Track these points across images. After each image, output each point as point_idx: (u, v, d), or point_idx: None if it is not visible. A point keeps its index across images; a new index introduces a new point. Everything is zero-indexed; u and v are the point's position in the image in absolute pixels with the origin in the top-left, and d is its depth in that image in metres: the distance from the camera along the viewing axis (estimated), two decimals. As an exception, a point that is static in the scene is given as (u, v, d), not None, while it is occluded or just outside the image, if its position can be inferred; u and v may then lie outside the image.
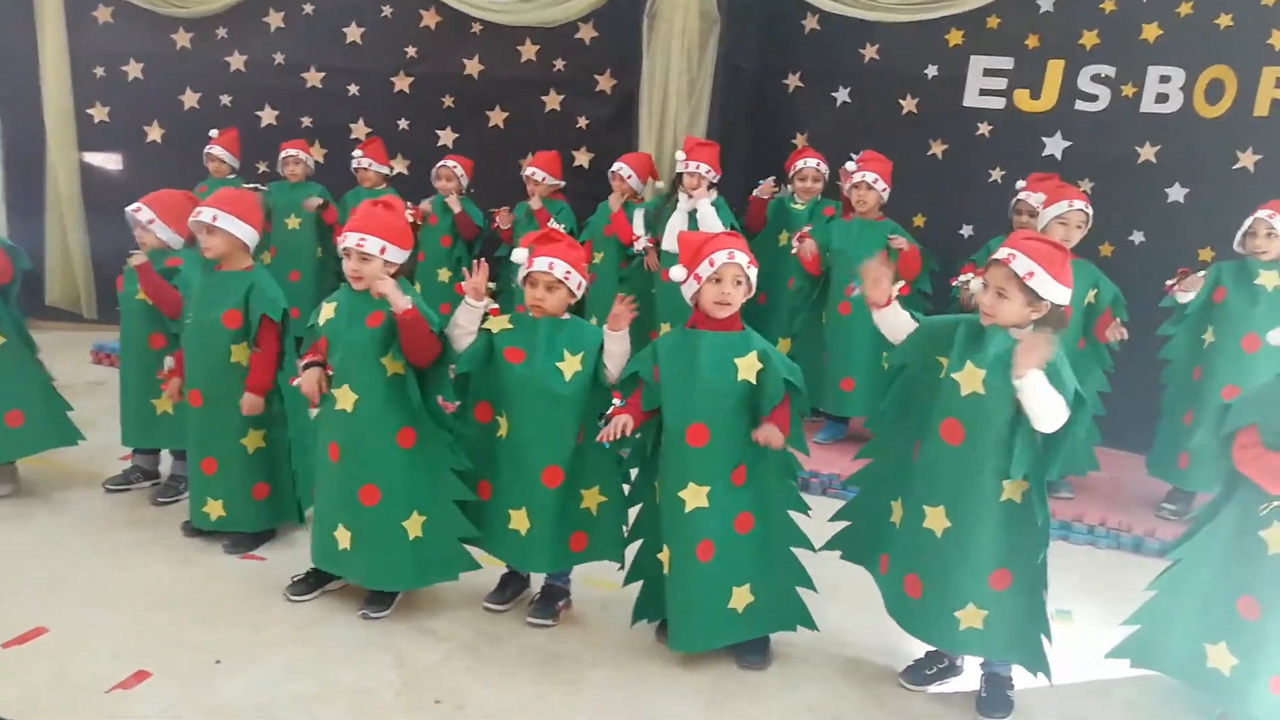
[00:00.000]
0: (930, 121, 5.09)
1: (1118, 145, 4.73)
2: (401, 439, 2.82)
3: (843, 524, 2.86)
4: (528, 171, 5.21)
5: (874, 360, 4.34)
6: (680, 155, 4.67)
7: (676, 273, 2.65)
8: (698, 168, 4.57)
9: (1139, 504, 4.13)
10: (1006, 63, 4.89)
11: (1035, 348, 2.29)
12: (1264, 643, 2.40)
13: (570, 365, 2.80)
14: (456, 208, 5.27)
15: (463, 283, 2.83)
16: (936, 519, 2.53)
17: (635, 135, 5.39)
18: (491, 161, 5.71)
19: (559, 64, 5.67)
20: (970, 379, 2.44)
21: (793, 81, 5.36)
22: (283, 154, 5.48)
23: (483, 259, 2.91)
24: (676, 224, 4.70)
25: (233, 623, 2.89)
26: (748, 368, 2.59)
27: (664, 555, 2.72)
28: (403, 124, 5.94)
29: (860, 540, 2.82)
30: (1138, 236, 4.77)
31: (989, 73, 4.92)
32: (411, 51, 5.83)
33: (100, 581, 3.09)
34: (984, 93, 4.96)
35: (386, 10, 5.81)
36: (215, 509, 3.28)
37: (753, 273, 2.64)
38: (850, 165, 4.48)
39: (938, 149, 5.10)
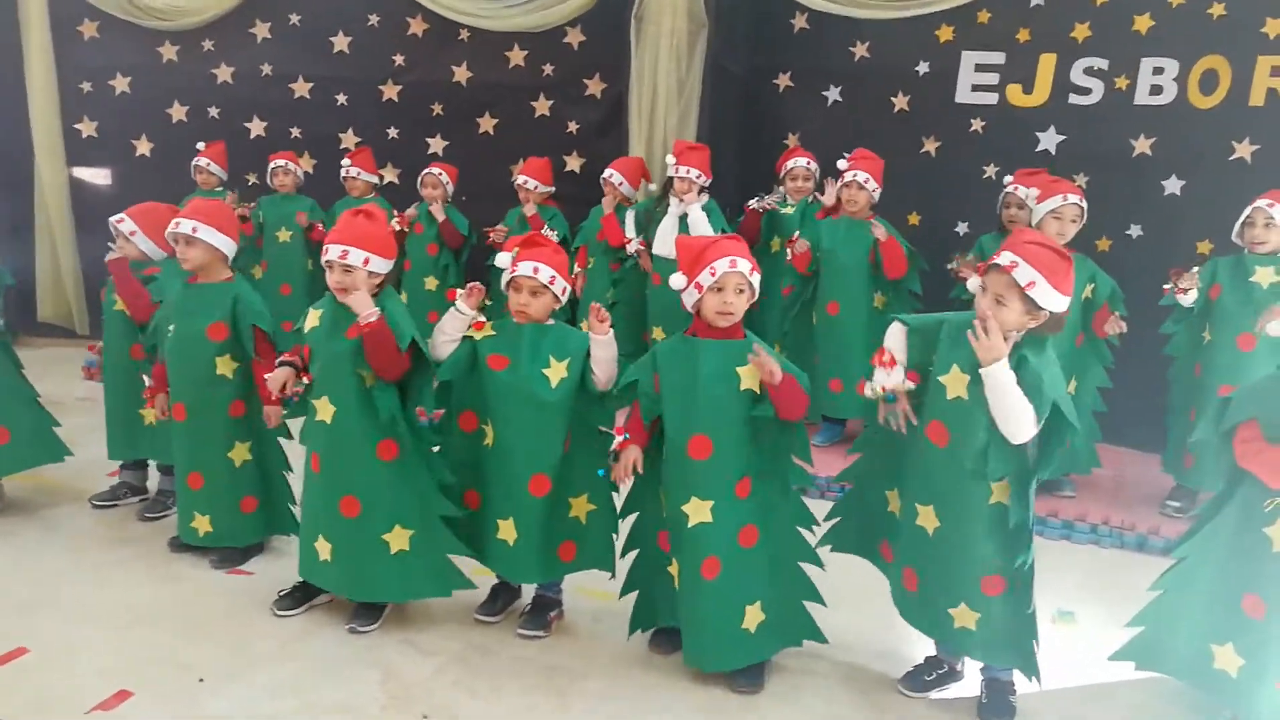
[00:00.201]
0: (922, 119, 5.04)
1: (1112, 138, 4.67)
2: (382, 451, 2.76)
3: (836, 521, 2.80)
4: (520, 180, 5.18)
5: (863, 362, 4.26)
6: (670, 159, 4.63)
7: (676, 280, 2.58)
8: (688, 172, 4.53)
9: (1142, 501, 4.06)
10: (998, 58, 4.84)
11: (994, 342, 2.26)
12: (1271, 642, 2.33)
13: (556, 371, 2.75)
14: (441, 216, 5.24)
15: (454, 288, 2.79)
16: (928, 518, 2.51)
17: (626, 139, 5.35)
18: (482, 168, 5.68)
19: (548, 69, 5.63)
20: (955, 383, 2.40)
21: (783, 81, 5.32)
22: (271, 165, 5.45)
23: (479, 284, 2.84)
24: (668, 228, 4.67)
25: (217, 639, 2.83)
26: (750, 376, 2.52)
27: (674, 569, 2.65)
28: (392, 133, 5.90)
29: (854, 532, 2.77)
30: (1135, 230, 4.72)
31: (980, 68, 4.87)
32: (399, 60, 5.80)
33: (83, 599, 3.04)
34: (976, 88, 4.91)
35: (373, 19, 5.76)
36: (203, 524, 3.23)
37: (755, 279, 2.57)
38: (842, 163, 4.41)
39: (930, 146, 5.05)
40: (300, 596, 3.00)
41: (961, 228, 5.03)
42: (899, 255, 4.27)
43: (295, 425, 3.05)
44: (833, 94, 5.23)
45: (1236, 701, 2.42)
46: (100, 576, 3.20)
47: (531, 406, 2.73)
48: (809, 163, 4.76)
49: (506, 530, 2.80)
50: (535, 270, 2.72)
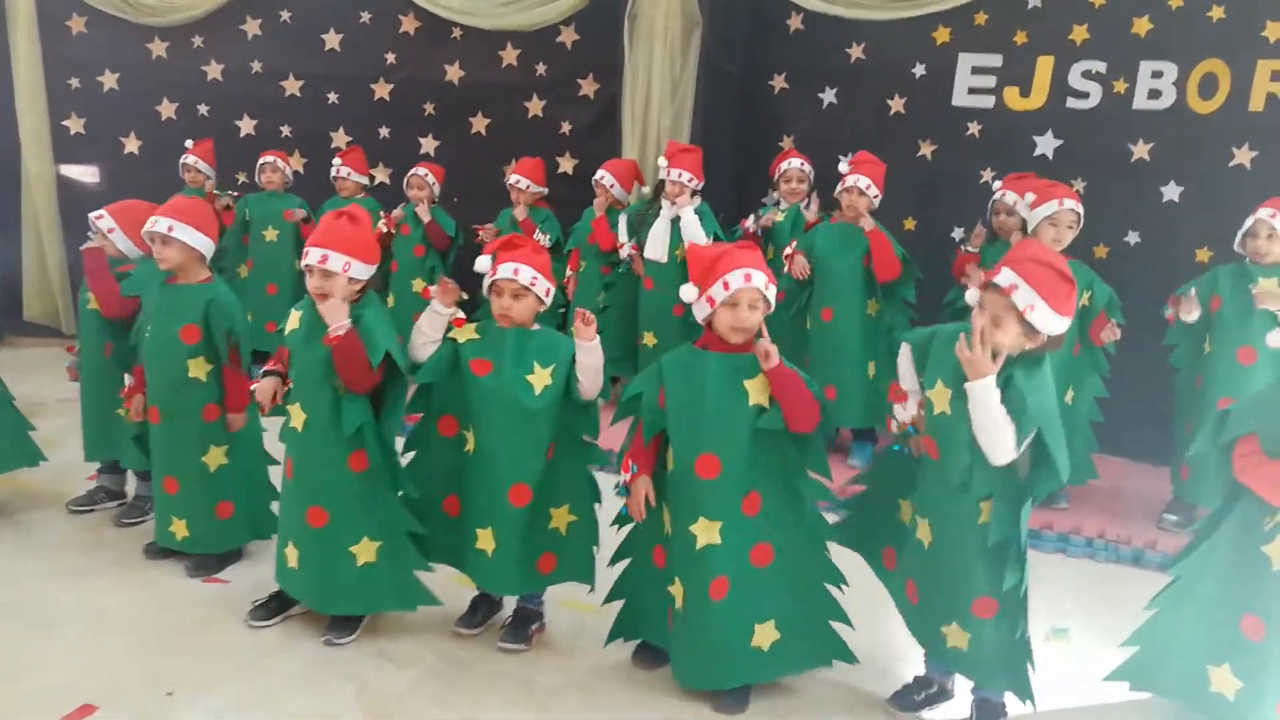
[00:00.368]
0: (919, 121, 4.97)
1: (1110, 143, 4.61)
2: (354, 462, 2.69)
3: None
4: (511, 179, 5.12)
5: (856, 369, 4.22)
6: (662, 162, 4.56)
7: (687, 292, 2.46)
8: (680, 175, 4.47)
9: (1139, 514, 3.99)
10: (995, 60, 4.77)
11: (979, 359, 2.18)
12: (1270, 664, 2.27)
13: (540, 378, 2.67)
14: (426, 217, 5.17)
15: (428, 286, 2.72)
16: (925, 531, 2.46)
17: (619, 140, 5.28)
18: (474, 168, 5.62)
19: (540, 68, 5.56)
20: (939, 398, 2.34)
21: (778, 82, 5.25)
22: (260, 161, 5.37)
23: (448, 278, 2.77)
24: (660, 231, 4.62)
25: (189, 650, 2.76)
26: (759, 390, 2.42)
27: (676, 589, 2.54)
28: (384, 132, 5.83)
29: (860, 530, 2.71)
30: (1133, 237, 4.65)
31: (977, 70, 4.81)
32: (391, 58, 5.73)
33: (54, 607, 2.96)
34: (973, 91, 4.84)
35: (365, 17, 5.70)
36: (180, 528, 3.16)
37: (771, 293, 2.46)
38: (843, 166, 4.33)
39: (927, 149, 4.99)
40: (275, 607, 2.92)
41: (957, 232, 4.96)
42: (889, 254, 4.15)
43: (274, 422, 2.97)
44: (828, 95, 5.16)
45: (1234, 725, 2.36)
46: (73, 584, 3.12)
47: (514, 413, 2.65)
48: (803, 165, 4.69)
49: (485, 540, 2.72)
50: (515, 272, 2.64)
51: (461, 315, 2.73)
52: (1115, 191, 4.60)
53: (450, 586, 2.93)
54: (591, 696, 2.64)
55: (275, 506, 3.09)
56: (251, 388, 2.76)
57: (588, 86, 5.54)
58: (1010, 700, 2.51)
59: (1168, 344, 3.88)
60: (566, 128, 5.61)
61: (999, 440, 2.20)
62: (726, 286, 2.39)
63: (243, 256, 5.46)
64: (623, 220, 4.82)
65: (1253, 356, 3.56)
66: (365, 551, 2.74)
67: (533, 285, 2.66)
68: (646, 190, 4.98)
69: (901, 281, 4.25)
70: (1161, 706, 2.62)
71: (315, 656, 2.77)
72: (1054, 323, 2.23)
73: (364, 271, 2.68)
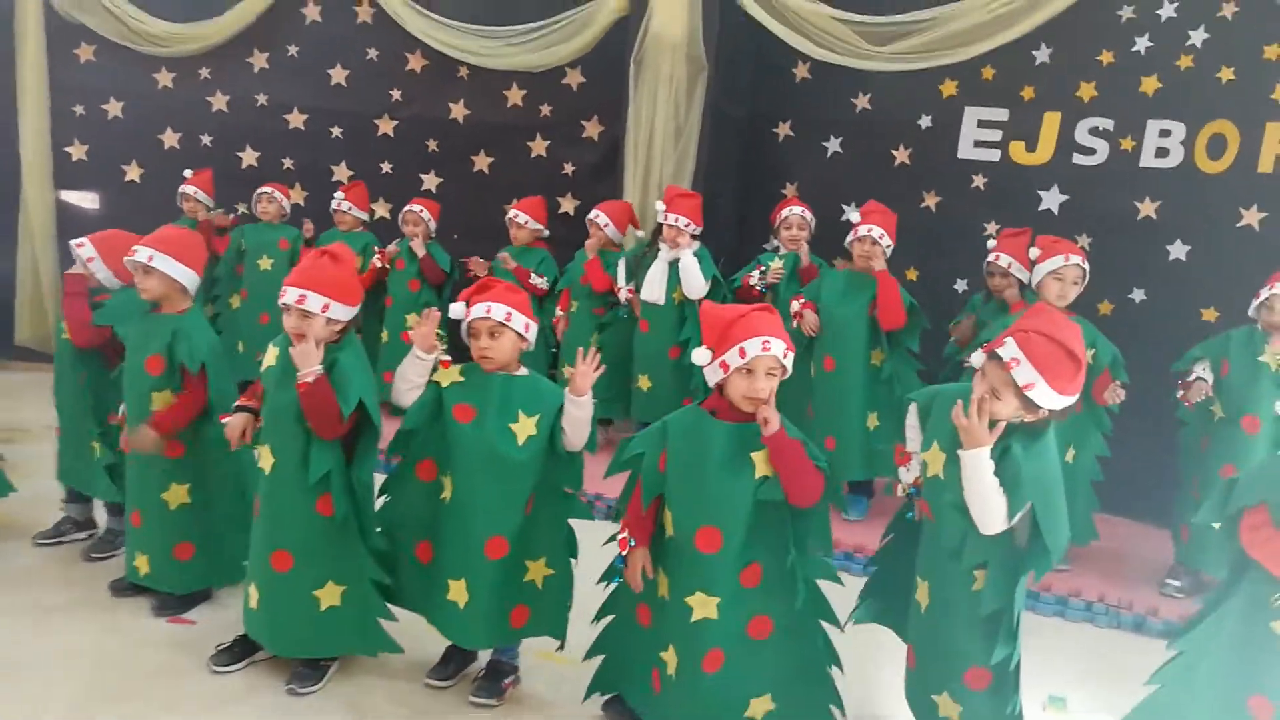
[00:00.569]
0: (923, 173, 4.94)
1: (1117, 200, 4.56)
2: (322, 506, 2.59)
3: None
4: (511, 214, 5.08)
5: (857, 420, 4.11)
6: (660, 206, 4.51)
7: (700, 356, 2.31)
8: (676, 220, 4.42)
9: (1141, 578, 3.87)
10: (1001, 114, 4.75)
11: (975, 428, 2.10)
12: (1279, 750, 2.14)
13: (524, 428, 2.56)
14: (421, 252, 5.14)
15: (407, 331, 2.63)
16: (923, 593, 2.37)
17: (621, 182, 5.24)
18: (476, 207, 5.59)
19: (545, 109, 5.56)
20: (934, 461, 2.25)
21: (783, 130, 5.23)
22: (258, 192, 5.35)
23: (433, 308, 2.71)
24: (657, 274, 4.56)
25: (146, 697, 2.64)
26: (766, 462, 2.27)
27: (669, 656, 2.39)
28: (386, 167, 5.82)
29: (885, 606, 2.64)
30: (1138, 294, 4.58)
31: (983, 124, 4.78)
32: (396, 94, 5.74)
33: (12, 647, 2.85)
34: (978, 144, 4.82)
35: (372, 53, 5.72)
36: (143, 564, 3.06)
37: (789, 360, 2.33)
38: (853, 215, 4.25)
39: (931, 201, 4.94)
40: (239, 652, 2.80)
41: (960, 285, 4.90)
42: (895, 300, 4.02)
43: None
44: (833, 144, 5.14)
45: (1239, 813, 2.22)
46: (34, 624, 3.01)
47: (495, 464, 2.54)
48: (805, 212, 4.63)
49: (457, 591, 2.60)
50: (488, 310, 2.55)
51: (448, 358, 2.64)
52: (1121, 248, 4.55)
53: (421, 634, 2.81)
54: (564, 757, 2.52)
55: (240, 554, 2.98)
56: (222, 421, 2.67)
57: (592, 128, 5.53)
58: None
59: (1179, 416, 3.78)
60: (569, 169, 5.59)
61: (990, 511, 2.11)
62: (743, 354, 2.24)
63: (236, 286, 5.41)
64: (621, 264, 4.76)
65: (1256, 426, 3.48)
66: (329, 595, 2.64)
67: (508, 321, 2.56)
68: (642, 234, 4.92)
69: (907, 331, 4.13)
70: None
71: (277, 706, 2.65)
72: (1054, 401, 2.14)
73: (343, 313, 2.60)
